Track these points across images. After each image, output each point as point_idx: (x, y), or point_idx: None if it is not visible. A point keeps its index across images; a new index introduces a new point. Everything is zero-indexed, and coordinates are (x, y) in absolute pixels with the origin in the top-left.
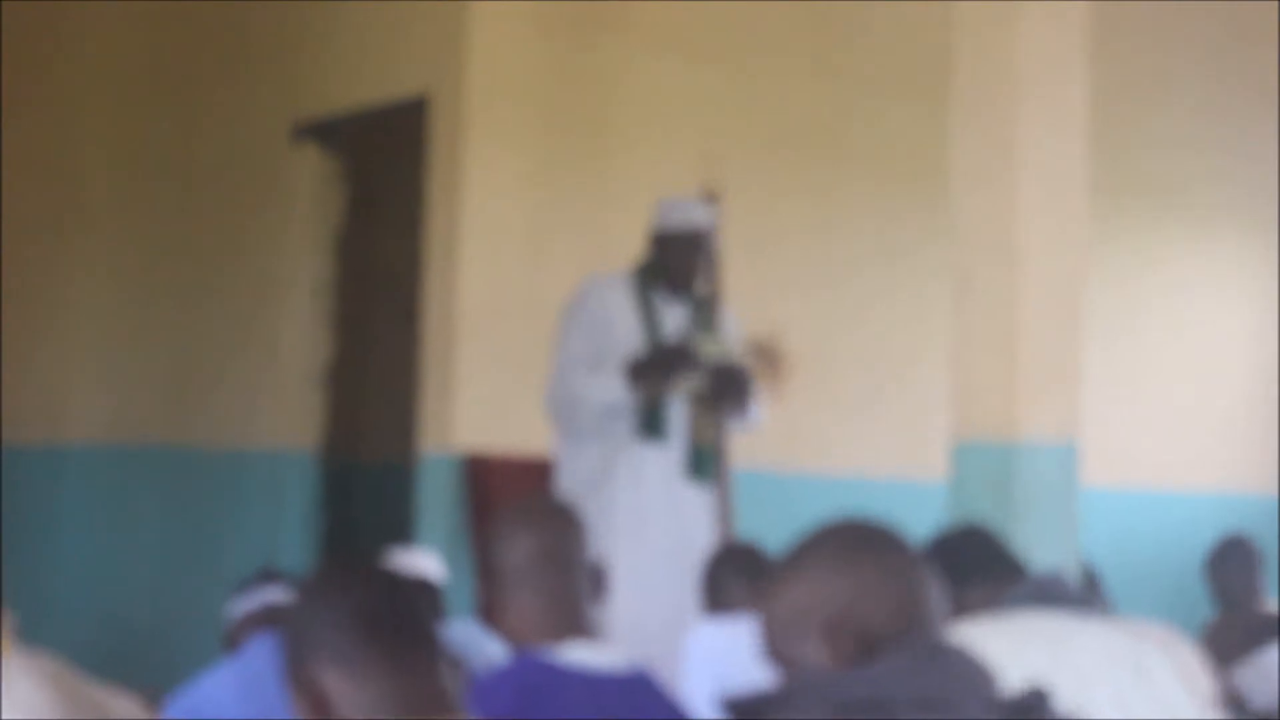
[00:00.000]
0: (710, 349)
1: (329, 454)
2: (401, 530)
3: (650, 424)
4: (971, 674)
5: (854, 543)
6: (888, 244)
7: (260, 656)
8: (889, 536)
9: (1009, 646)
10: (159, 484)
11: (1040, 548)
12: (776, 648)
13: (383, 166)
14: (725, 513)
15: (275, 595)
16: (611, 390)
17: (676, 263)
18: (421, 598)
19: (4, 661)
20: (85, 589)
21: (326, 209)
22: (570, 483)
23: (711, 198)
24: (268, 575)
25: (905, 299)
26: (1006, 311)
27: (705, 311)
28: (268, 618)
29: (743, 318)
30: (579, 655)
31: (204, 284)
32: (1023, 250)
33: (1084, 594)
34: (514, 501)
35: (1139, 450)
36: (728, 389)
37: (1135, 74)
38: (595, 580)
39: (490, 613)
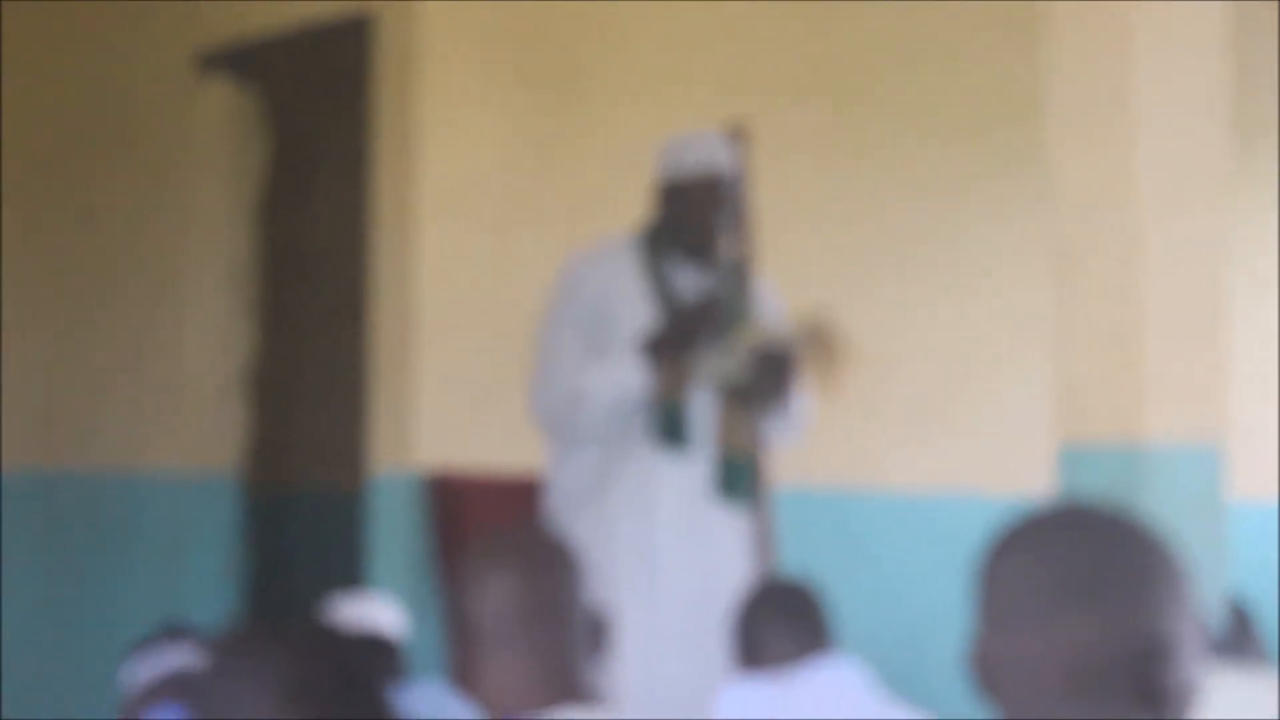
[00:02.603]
0: (746, 328)
1: (253, 478)
2: (348, 572)
3: (668, 427)
4: None
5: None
6: (969, 207)
7: None
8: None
9: None
10: (37, 518)
11: None
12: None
13: (315, 108)
14: (765, 542)
15: (184, 658)
16: (622, 377)
17: (692, 218)
18: (373, 659)
19: None
20: None
21: (243, 165)
22: (564, 507)
23: (737, 135)
24: (174, 632)
25: (994, 274)
26: (1126, 281)
27: (735, 280)
28: (174, 687)
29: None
30: None
31: (88, 265)
32: (1145, 210)
33: (1233, 638)
34: (490, 533)
35: None
36: (767, 377)
37: None
38: (595, 632)
39: (463, 674)
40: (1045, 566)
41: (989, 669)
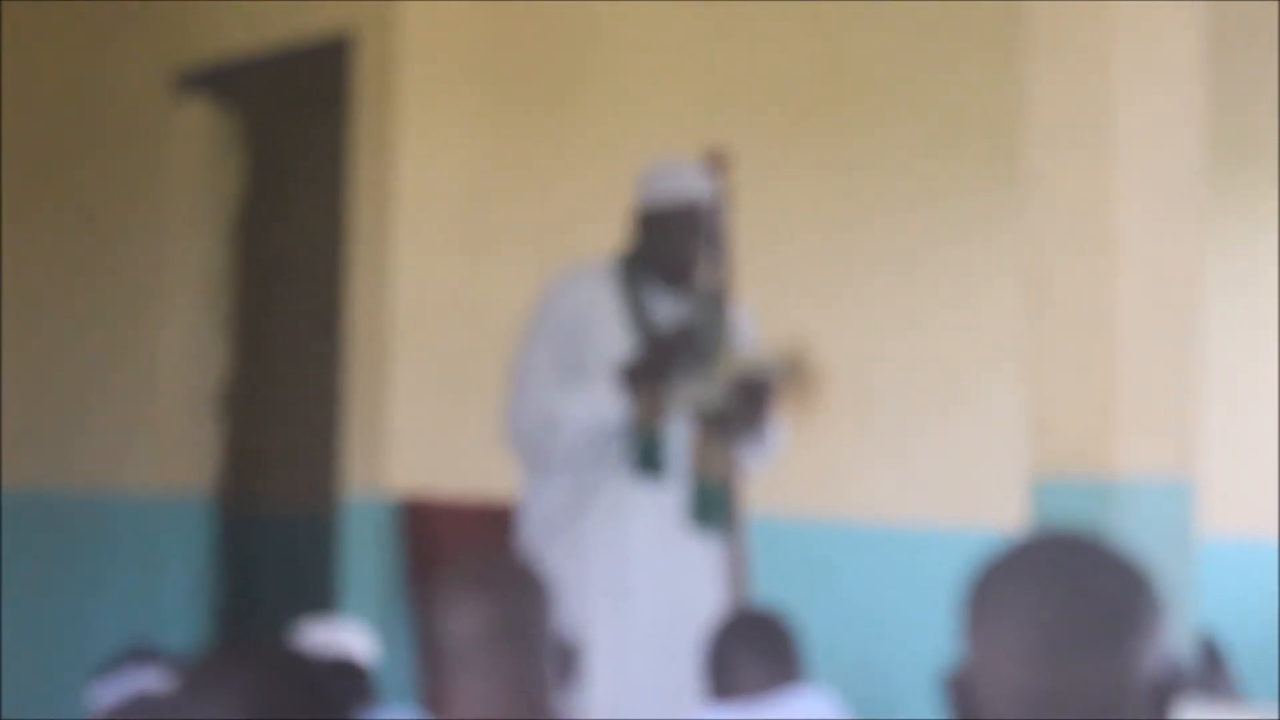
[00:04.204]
0: (723, 357)
1: (225, 500)
2: (319, 597)
3: (646, 456)
4: None
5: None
6: (943, 231)
7: None
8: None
9: None
10: (6, 537)
11: None
12: None
13: (293, 128)
14: (737, 570)
15: (149, 680)
16: (599, 405)
17: (670, 247)
18: (342, 683)
19: None
20: None
21: (220, 183)
22: (537, 533)
23: (715, 163)
24: (140, 654)
25: (967, 300)
26: (1099, 313)
27: (712, 308)
28: (140, 709)
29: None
30: None
31: (62, 281)
32: (1119, 235)
33: (1204, 673)
34: (461, 559)
35: (1272, 489)
36: (745, 405)
37: (1257, 8)
38: (564, 658)
39: (433, 699)
40: (1034, 597)
41: (969, 696)
